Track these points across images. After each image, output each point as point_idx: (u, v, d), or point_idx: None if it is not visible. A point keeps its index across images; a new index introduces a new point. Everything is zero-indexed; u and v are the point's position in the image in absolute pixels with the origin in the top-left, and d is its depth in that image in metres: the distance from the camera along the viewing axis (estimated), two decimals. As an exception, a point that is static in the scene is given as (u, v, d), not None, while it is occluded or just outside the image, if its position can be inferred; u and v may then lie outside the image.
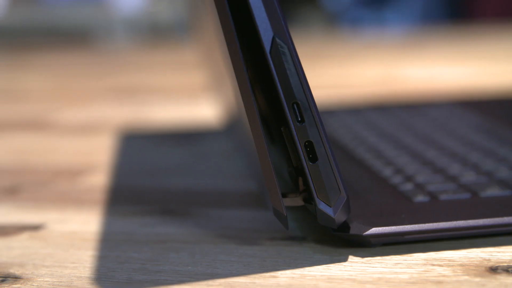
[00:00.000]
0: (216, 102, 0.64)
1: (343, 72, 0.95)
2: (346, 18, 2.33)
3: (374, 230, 0.32)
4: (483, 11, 2.18)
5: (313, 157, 0.31)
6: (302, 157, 0.31)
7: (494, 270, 0.30)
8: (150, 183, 0.48)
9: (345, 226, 0.32)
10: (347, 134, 0.54)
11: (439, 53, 1.07)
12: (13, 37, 2.60)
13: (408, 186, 0.38)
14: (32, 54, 1.35)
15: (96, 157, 0.56)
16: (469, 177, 0.39)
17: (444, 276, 0.29)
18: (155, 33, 2.55)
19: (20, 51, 1.51)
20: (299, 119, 0.31)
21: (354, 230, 0.32)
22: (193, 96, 0.82)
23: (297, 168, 0.33)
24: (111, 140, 0.61)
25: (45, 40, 2.54)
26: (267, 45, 0.31)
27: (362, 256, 0.32)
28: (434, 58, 1.03)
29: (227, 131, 0.58)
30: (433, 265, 0.31)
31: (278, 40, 0.31)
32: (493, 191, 0.36)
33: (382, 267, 0.31)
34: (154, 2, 2.69)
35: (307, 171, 0.31)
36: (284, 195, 0.33)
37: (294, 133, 0.31)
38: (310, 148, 0.31)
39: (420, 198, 0.36)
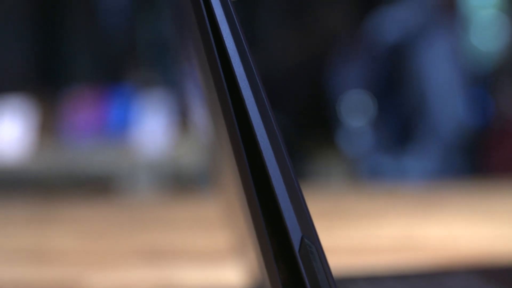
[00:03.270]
0: (240, 265, 0.66)
1: (362, 233, 0.97)
2: (366, 164, 2.37)
3: None
4: (504, 165, 2.22)
5: None
6: None
7: None
8: None
9: None
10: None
11: (460, 211, 1.09)
12: (37, 181, 2.65)
13: None
14: (56, 205, 1.38)
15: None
16: None
17: None
18: (178, 179, 2.59)
19: (44, 201, 1.54)
20: (326, 313, 0.33)
21: None
22: (217, 258, 0.83)
23: None
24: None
25: (68, 186, 2.59)
26: (296, 245, 0.34)
27: None
28: (455, 217, 1.04)
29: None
30: None
31: (306, 240, 0.34)
32: None
33: None
34: (176, 147, 2.75)
35: None
36: None
37: (322, 327, 0.33)
38: (336, 338, 0.33)
39: None
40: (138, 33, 4.11)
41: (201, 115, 0.59)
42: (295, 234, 0.34)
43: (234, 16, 0.34)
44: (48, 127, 3.01)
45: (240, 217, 0.45)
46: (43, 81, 4.01)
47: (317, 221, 0.34)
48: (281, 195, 0.34)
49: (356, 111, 2.50)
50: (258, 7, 4.09)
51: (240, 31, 0.34)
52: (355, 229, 0.99)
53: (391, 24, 2.35)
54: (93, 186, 2.56)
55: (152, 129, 2.82)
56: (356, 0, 3.74)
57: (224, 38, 0.34)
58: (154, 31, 4.01)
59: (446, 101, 2.29)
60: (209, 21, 0.34)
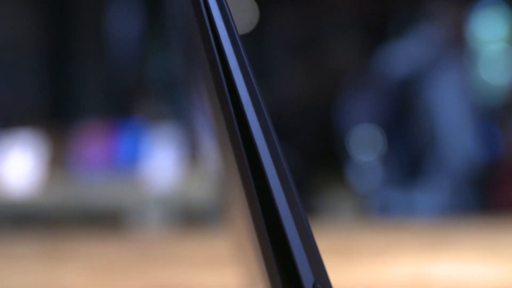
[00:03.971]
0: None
1: (373, 271, 0.96)
2: (376, 199, 2.36)
3: None
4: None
5: None
6: None
7: None
8: None
9: None
10: None
11: (471, 248, 1.09)
12: (47, 216, 2.66)
13: None
14: (67, 240, 1.38)
15: None
16: None
17: None
18: (187, 214, 2.59)
19: (54, 236, 1.54)
20: None
21: None
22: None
23: None
24: None
25: (79, 220, 2.59)
26: (308, 289, 0.34)
27: None
28: (466, 254, 1.04)
29: None
30: None
31: (318, 286, 0.34)
32: None
33: None
34: (186, 181, 2.75)
35: None
36: None
37: None
38: None
39: None
40: (147, 67, 4.13)
41: (211, 149, 0.60)
42: (307, 279, 0.34)
43: (243, 52, 0.35)
44: (58, 161, 3.02)
45: (252, 257, 0.46)
46: (53, 115, 4.03)
47: (327, 259, 0.34)
48: (294, 241, 0.34)
49: (365, 145, 2.51)
50: (267, 42, 4.12)
51: (248, 67, 0.35)
52: (365, 267, 0.99)
53: (400, 58, 2.36)
54: (103, 220, 2.57)
55: (162, 163, 2.83)
56: (365, 35, 3.75)
57: (234, 75, 0.35)
58: (164, 65, 4.03)
59: (456, 135, 2.29)
60: (219, 57, 0.35)
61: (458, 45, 2.40)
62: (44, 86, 4.16)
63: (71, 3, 4.18)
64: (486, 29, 3.53)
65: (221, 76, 0.35)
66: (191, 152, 2.82)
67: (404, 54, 2.36)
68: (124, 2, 4.04)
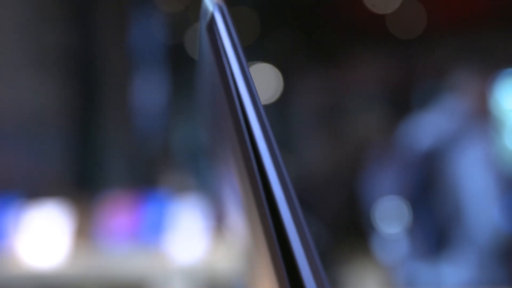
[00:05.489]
0: None
1: None
2: (402, 272, 2.34)
3: None
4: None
5: None
6: None
7: None
8: None
9: None
10: None
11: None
12: (72, 287, 2.65)
13: None
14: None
15: None
16: None
17: None
18: (213, 286, 2.57)
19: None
20: None
21: None
22: None
23: None
24: None
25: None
26: None
27: None
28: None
29: None
30: None
31: None
32: None
33: None
34: (211, 252, 2.74)
35: None
36: None
37: None
38: None
39: None
40: (173, 138, 4.16)
41: (236, 220, 0.60)
42: None
43: (267, 124, 0.35)
44: (83, 232, 3.02)
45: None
46: (79, 185, 4.05)
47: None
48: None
49: (391, 217, 2.49)
50: (291, 112, 4.14)
51: (272, 138, 0.35)
52: None
53: (424, 130, 2.36)
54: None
55: (187, 235, 2.82)
56: (390, 106, 3.77)
57: (259, 146, 0.35)
58: (189, 135, 4.06)
59: (482, 207, 2.27)
60: (246, 128, 0.35)
61: (483, 115, 2.40)
62: (69, 157, 4.20)
63: (96, 74, 4.24)
64: (510, 99, 3.53)
65: (248, 146, 0.35)
66: (217, 223, 2.82)
67: (429, 126, 2.36)
68: (149, 72, 4.09)
